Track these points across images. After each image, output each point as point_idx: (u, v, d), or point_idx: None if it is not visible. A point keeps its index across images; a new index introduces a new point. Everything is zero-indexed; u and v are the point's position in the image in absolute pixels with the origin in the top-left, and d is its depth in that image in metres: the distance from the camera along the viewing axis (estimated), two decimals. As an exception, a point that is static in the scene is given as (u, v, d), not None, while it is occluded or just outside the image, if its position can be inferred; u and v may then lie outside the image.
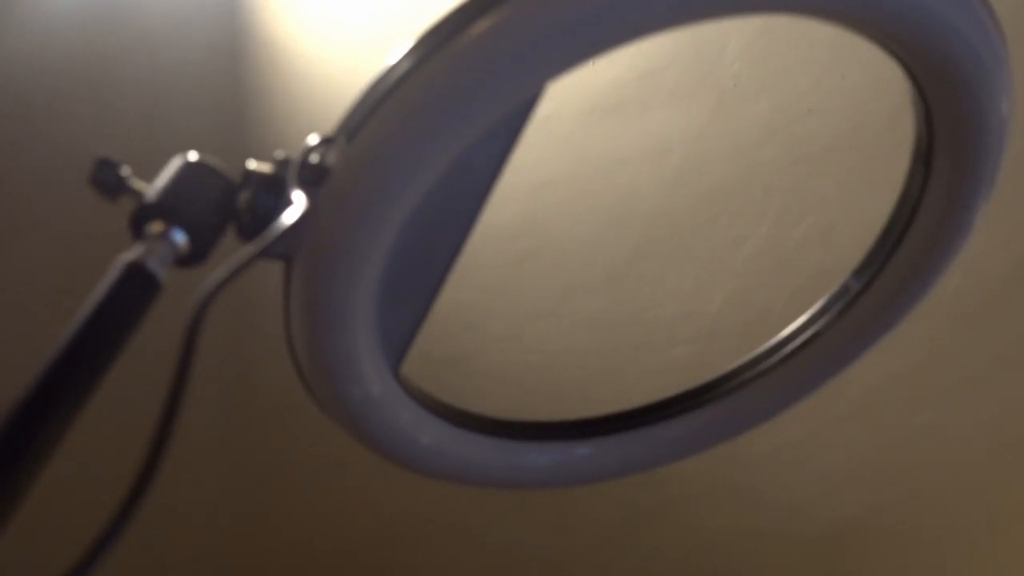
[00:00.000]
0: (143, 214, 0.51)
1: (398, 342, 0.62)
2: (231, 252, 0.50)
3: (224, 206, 0.53)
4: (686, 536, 1.79)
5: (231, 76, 1.71)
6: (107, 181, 0.51)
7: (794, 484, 1.70)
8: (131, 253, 0.49)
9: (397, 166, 0.50)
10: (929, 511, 1.67)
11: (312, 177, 0.51)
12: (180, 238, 0.50)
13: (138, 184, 0.52)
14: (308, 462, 1.81)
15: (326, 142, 0.52)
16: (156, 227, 0.50)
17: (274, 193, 0.53)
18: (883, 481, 1.68)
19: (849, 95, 1.41)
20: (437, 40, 0.51)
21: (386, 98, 0.50)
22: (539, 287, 1.63)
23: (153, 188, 0.52)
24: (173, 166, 0.53)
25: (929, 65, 0.55)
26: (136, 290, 0.48)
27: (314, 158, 0.52)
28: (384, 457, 0.67)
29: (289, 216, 0.50)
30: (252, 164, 0.55)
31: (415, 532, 1.88)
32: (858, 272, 0.70)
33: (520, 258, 1.62)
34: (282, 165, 0.54)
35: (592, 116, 1.51)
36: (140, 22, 1.67)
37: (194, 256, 0.52)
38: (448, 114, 0.49)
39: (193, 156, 0.54)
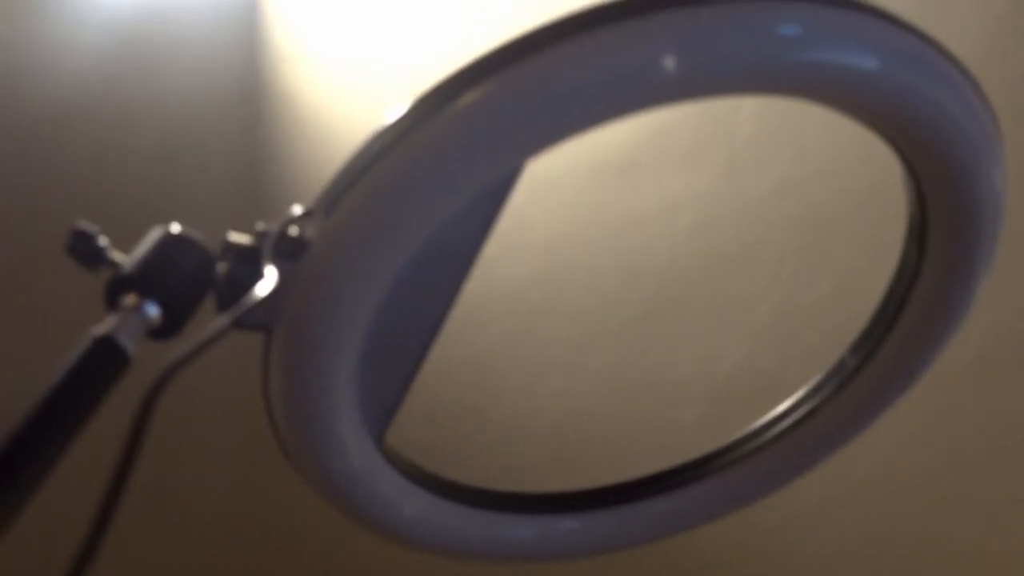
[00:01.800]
0: (119, 285, 0.51)
1: (381, 412, 0.62)
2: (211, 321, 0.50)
3: (202, 278, 0.53)
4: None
5: (249, 127, 1.74)
6: (83, 252, 0.52)
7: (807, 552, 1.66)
8: (102, 326, 0.49)
9: (372, 243, 0.50)
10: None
11: (289, 250, 0.51)
12: (153, 311, 0.50)
13: (115, 255, 0.52)
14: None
15: (306, 215, 0.52)
16: (131, 300, 0.50)
17: (252, 265, 0.53)
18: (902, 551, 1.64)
19: (863, 157, 1.40)
20: (418, 114, 0.50)
21: (363, 173, 0.50)
22: (549, 345, 1.62)
23: (130, 260, 0.52)
24: (152, 237, 0.53)
25: (917, 145, 0.54)
26: (105, 363, 0.48)
27: (293, 231, 0.52)
28: (366, 528, 0.66)
29: (261, 290, 0.49)
30: (232, 236, 0.55)
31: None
32: (854, 349, 0.68)
33: (530, 315, 1.62)
34: (262, 237, 0.54)
35: (605, 175, 1.51)
36: (161, 70, 1.70)
37: (168, 329, 0.51)
38: (423, 192, 0.49)
39: (174, 228, 0.54)
